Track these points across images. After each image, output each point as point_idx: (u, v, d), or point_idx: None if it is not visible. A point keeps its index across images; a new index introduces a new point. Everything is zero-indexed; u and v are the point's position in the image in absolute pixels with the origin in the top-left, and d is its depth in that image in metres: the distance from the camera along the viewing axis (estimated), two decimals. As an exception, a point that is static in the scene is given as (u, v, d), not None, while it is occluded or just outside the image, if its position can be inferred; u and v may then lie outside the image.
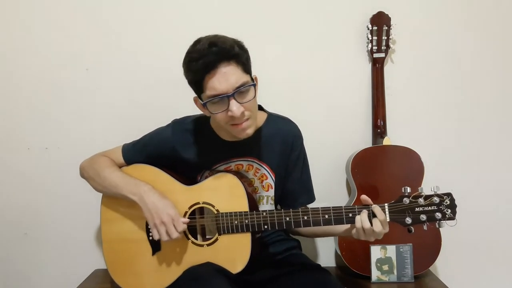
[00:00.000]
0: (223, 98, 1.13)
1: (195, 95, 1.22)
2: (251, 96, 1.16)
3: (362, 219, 1.15)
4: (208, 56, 1.10)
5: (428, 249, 1.56)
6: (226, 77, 1.11)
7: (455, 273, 1.75)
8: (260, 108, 1.37)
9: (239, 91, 1.13)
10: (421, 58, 1.71)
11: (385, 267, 1.54)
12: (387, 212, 1.16)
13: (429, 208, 1.14)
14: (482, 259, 1.77)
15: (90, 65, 1.72)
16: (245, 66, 1.16)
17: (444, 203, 1.13)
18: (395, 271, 1.54)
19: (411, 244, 1.53)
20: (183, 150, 1.34)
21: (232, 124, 1.18)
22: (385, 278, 1.54)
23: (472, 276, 1.77)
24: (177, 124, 1.36)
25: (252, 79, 1.19)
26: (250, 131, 1.20)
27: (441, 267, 1.74)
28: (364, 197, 1.18)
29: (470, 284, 1.76)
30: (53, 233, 1.78)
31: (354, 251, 1.57)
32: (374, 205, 1.16)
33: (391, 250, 1.54)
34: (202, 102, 1.17)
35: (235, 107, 1.13)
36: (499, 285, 1.77)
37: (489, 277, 1.77)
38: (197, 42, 1.16)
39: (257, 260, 1.25)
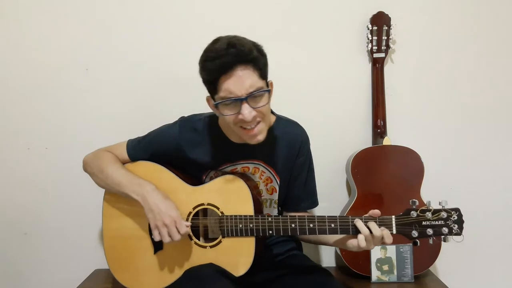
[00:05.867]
0: (236, 101, 1.11)
1: (208, 95, 1.20)
2: (264, 101, 1.14)
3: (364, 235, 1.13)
4: (226, 57, 1.08)
5: (428, 249, 1.55)
6: (241, 81, 1.09)
7: (455, 273, 1.75)
8: None
9: (252, 96, 1.11)
10: (421, 58, 1.71)
11: (385, 267, 1.54)
12: (393, 224, 1.15)
13: (437, 222, 1.13)
14: (482, 259, 1.77)
15: (90, 65, 1.72)
16: (262, 71, 1.13)
17: (452, 218, 1.12)
18: (395, 271, 1.54)
19: (411, 244, 1.53)
20: (189, 149, 1.31)
21: (241, 127, 1.16)
22: (385, 278, 1.55)
23: (472, 276, 1.77)
24: (184, 122, 1.33)
25: (267, 84, 1.17)
26: (261, 137, 1.18)
27: (441, 267, 1.74)
28: (373, 211, 1.16)
29: (470, 284, 1.76)
30: (53, 233, 1.78)
31: (354, 251, 1.56)
32: (356, 220, 1.15)
33: (391, 250, 1.54)
34: (215, 103, 1.15)
35: (246, 111, 1.11)
36: (498, 285, 1.77)
37: (488, 277, 1.77)
38: (216, 41, 1.13)
39: (258, 261, 1.24)
